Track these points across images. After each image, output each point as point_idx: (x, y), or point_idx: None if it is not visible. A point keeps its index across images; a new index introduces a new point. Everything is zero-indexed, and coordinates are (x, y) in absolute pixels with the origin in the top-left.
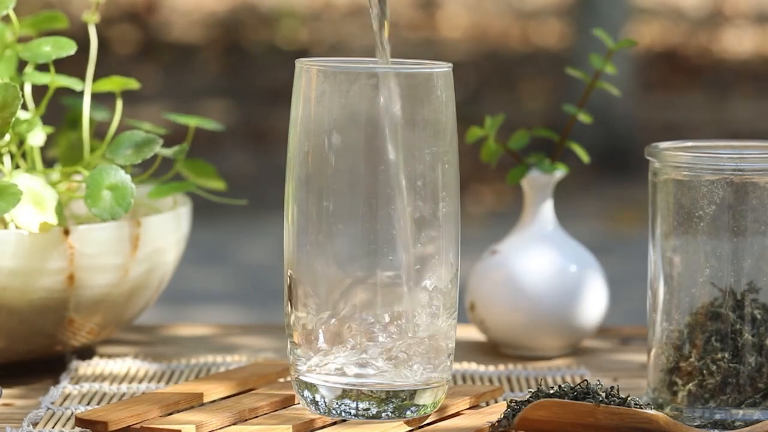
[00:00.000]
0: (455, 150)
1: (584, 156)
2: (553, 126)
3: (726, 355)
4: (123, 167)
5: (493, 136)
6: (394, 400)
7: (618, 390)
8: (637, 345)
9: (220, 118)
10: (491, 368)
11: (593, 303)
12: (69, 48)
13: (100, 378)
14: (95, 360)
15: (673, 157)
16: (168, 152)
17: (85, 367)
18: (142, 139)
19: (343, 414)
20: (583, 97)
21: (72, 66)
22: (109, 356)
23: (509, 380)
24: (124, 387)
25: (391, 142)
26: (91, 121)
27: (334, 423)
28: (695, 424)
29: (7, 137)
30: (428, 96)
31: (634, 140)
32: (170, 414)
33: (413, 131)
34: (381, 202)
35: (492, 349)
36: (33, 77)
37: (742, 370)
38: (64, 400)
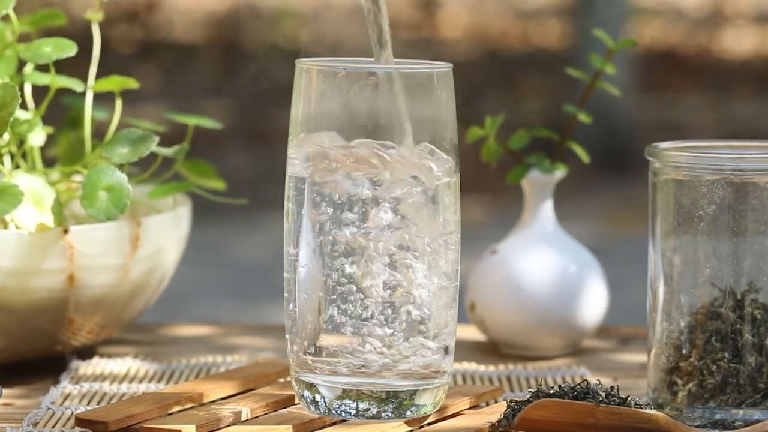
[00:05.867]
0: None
1: (584, 156)
2: (553, 126)
3: (726, 355)
4: (120, 165)
5: (493, 136)
6: (394, 400)
7: (618, 390)
8: (637, 345)
9: (220, 118)
10: (491, 368)
11: (593, 303)
12: (69, 49)
13: (100, 378)
14: (95, 360)
15: (673, 157)
16: (168, 152)
17: (85, 367)
18: (138, 136)
19: (343, 414)
20: (583, 97)
21: (72, 65)
22: (109, 356)
23: (509, 380)
24: (124, 387)
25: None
26: (92, 120)
27: (334, 423)
28: (695, 424)
29: (6, 137)
30: (428, 96)
31: (634, 140)
32: (170, 414)
33: (413, 131)
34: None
35: (492, 349)
36: (33, 77)
37: (742, 370)
38: (64, 400)
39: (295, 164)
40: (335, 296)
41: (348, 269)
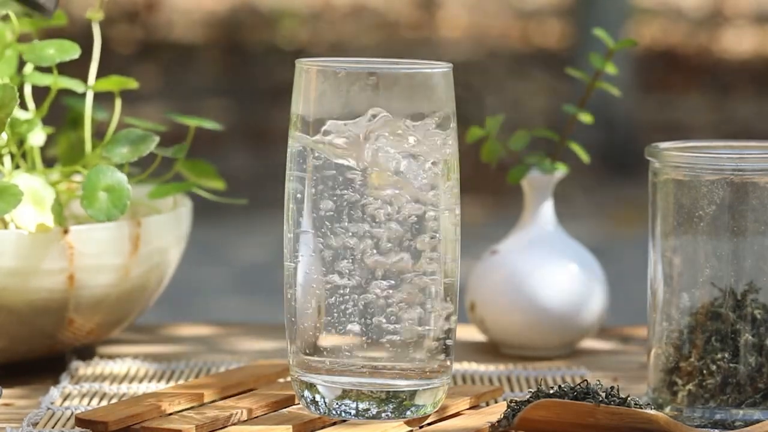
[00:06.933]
0: (455, 150)
1: (584, 156)
2: (553, 126)
3: (726, 355)
4: (120, 165)
5: (493, 136)
6: (394, 400)
7: (618, 390)
8: (637, 345)
9: (220, 118)
10: (491, 368)
11: (593, 303)
12: (73, 51)
13: (100, 378)
14: (95, 360)
15: (673, 157)
16: (168, 152)
17: (85, 367)
18: (138, 136)
19: (343, 414)
20: (583, 97)
21: (72, 65)
22: (109, 356)
23: (509, 380)
24: (124, 387)
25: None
26: (92, 120)
27: (334, 423)
28: (695, 424)
29: (5, 136)
30: (428, 96)
31: (634, 140)
32: (170, 414)
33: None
34: (382, 201)
35: (492, 349)
36: (34, 78)
37: (742, 370)
38: (64, 400)
39: (295, 163)
40: (335, 296)
41: (348, 269)
